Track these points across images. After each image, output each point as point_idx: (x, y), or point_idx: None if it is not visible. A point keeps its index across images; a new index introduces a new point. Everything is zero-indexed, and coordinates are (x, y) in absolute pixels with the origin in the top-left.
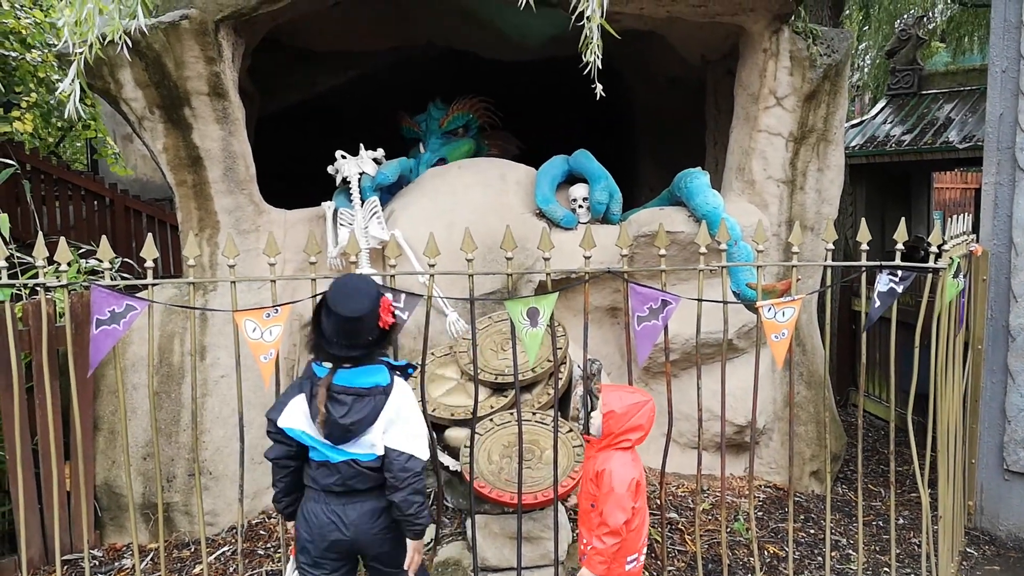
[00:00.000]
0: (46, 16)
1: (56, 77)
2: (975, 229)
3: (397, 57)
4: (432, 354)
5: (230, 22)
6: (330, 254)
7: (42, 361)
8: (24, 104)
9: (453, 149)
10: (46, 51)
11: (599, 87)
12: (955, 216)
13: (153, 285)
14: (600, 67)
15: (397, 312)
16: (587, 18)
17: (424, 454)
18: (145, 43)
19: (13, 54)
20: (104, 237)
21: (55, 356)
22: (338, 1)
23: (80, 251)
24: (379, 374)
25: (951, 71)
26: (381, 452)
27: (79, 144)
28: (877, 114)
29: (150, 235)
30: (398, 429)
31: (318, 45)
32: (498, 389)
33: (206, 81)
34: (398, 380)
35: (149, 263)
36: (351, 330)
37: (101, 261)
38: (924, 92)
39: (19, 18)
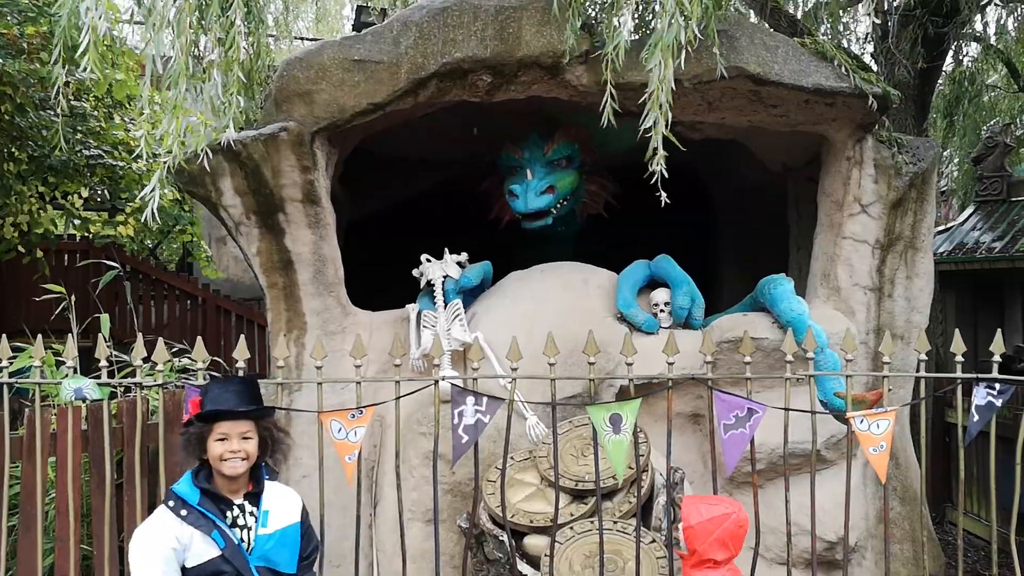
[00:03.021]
0: (153, 128)
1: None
2: None
3: (484, 162)
4: (512, 458)
5: (325, 133)
6: (413, 356)
7: (134, 458)
8: (128, 209)
9: (560, 178)
10: (152, 160)
11: (663, 195)
12: None
13: None
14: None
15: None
16: (653, 128)
17: None
18: (246, 153)
19: (120, 163)
20: (200, 339)
21: (146, 453)
22: (427, 112)
23: (172, 349)
24: None
25: None
26: None
27: (175, 245)
28: (965, 220)
29: (243, 337)
30: None
31: (407, 152)
32: (578, 496)
33: (300, 189)
34: None
35: (241, 363)
36: None
37: (195, 361)
38: (1014, 199)
39: (128, 131)
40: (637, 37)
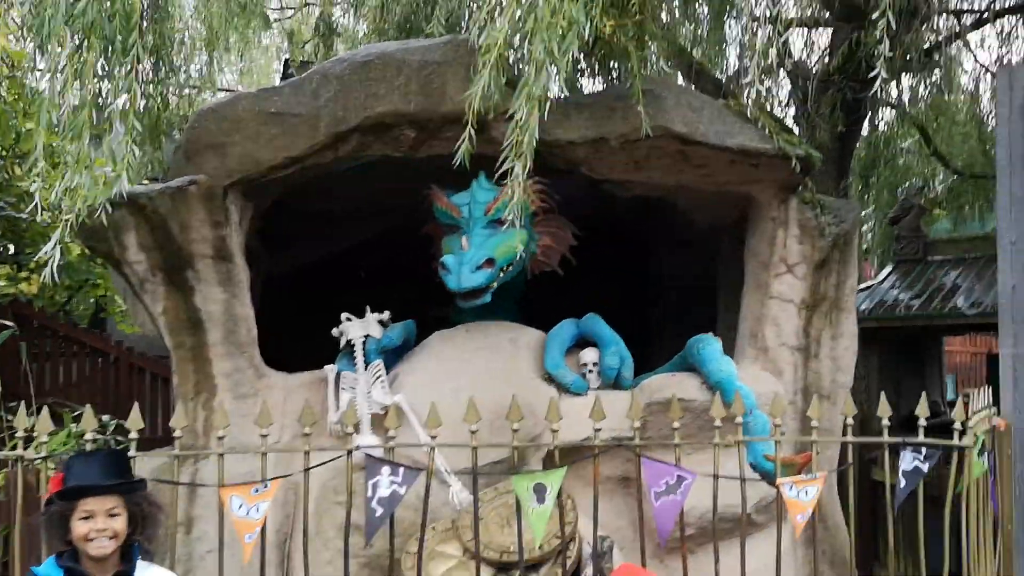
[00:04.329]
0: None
1: (68, 240)
2: (995, 401)
3: (414, 218)
4: (433, 528)
5: (239, 187)
6: (331, 420)
7: (14, 535)
8: (33, 265)
9: (500, 243)
10: (57, 213)
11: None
12: (977, 389)
13: (133, 458)
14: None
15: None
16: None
17: None
18: (152, 207)
19: (24, 216)
20: (88, 407)
21: (31, 531)
22: (352, 166)
23: (75, 413)
24: None
25: (955, 239)
26: None
27: (91, 300)
28: (884, 279)
29: (136, 405)
30: None
31: (332, 206)
32: (503, 568)
33: (211, 245)
34: None
35: (133, 434)
36: None
37: (83, 433)
38: (930, 259)
39: (34, 182)
40: (566, 95)
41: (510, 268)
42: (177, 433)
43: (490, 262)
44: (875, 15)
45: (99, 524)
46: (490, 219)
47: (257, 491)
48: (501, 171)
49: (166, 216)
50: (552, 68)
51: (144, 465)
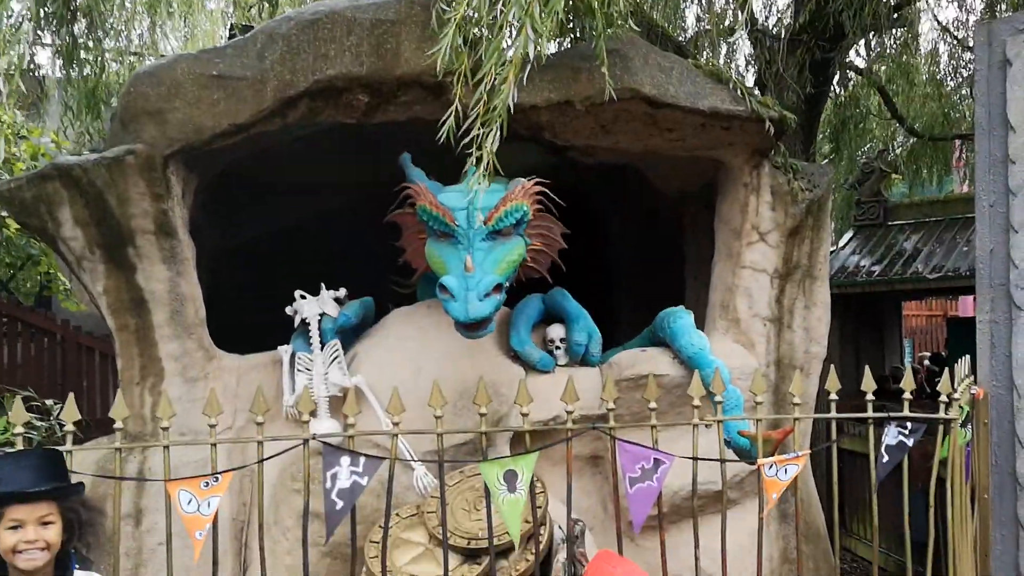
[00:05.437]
0: None
1: (4, 214)
2: (973, 370)
3: (366, 191)
4: (397, 515)
5: (180, 157)
6: (286, 403)
7: None
8: None
9: (501, 259)
10: None
11: None
12: (961, 358)
13: (70, 452)
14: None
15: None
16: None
17: None
18: (87, 179)
19: None
20: (18, 399)
21: None
22: (300, 136)
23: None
24: None
25: (914, 203)
26: None
27: (37, 278)
28: (845, 245)
29: (71, 395)
30: None
31: (281, 178)
32: (471, 555)
33: (152, 219)
34: None
35: (69, 426)
36: None
37: (12, 425)
38: (890, 223)
39: None
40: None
41: (508, 284)
42: (118, 424)
43: (498, 288)
44: None
45: (29, 535)
46: (490, 229)
47: (207, 485)
48: (467, 139)
49: (102, 189)
50: (531, 32)
51: (87, 457)
